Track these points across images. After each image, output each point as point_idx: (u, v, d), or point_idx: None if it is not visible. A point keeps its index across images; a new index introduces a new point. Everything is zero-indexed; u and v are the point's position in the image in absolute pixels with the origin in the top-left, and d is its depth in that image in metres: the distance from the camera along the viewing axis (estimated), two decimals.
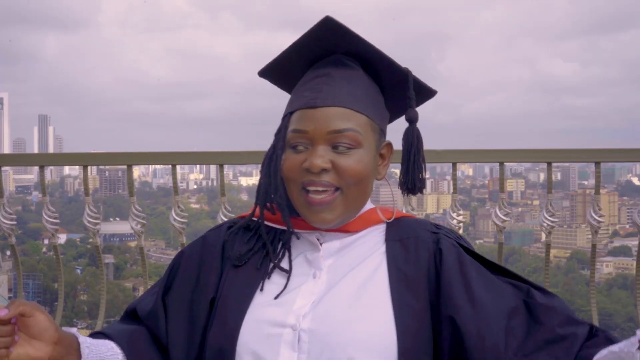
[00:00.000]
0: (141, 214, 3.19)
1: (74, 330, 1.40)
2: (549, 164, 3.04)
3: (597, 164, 3.04)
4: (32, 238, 45.43)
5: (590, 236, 3.15)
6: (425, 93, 1.55)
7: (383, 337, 1.37)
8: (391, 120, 1.58)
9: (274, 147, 1.48)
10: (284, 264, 1.47)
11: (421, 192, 1.54)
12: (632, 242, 34.74)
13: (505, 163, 3.06)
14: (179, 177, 3.26)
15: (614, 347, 1.28)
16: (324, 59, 1.50)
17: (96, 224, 3.21)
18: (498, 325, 1.38)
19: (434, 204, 60.33)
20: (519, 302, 1.42)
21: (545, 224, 3.05)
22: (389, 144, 1.54)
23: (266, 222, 1.52)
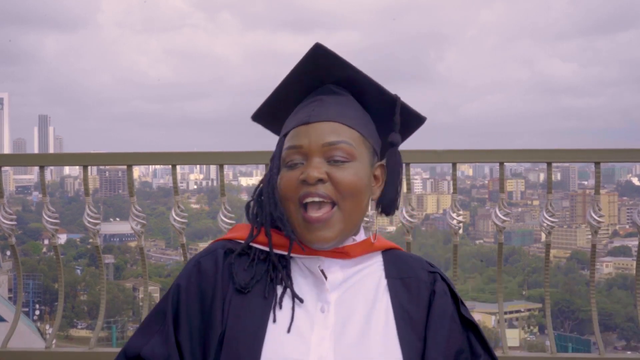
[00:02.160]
0: (141, 214, 3.19)
1: None
2: (549, 164, 3.04)
3: (597, 164, 3.04)
4: (32, 238, 45.43)
5: (590, 236, 3.15)
6: (414, 120, 1.57)
7: None
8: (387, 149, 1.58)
9: (270, 170, 1.48)
10: (289, 293, 1.44)
11: (392, 213, 1.55)
12: (632, 242, 34.76)
13: (505, 163, 3.06)
14: (179, 177, 3.26)
15: None
16: (315, 90, 1.52)
17: (96, 224, 3.21)
18: None
19: (434, 204, 60.34)
20: None
21: (545, 224, 3.05)
22: (383, 165, 1.54)
23: (262, 247, 1.48)
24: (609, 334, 35.49)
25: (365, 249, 1.50)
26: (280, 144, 1.49)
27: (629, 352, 25.66)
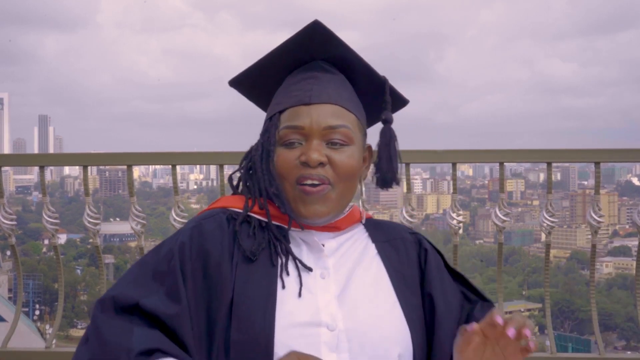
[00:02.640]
0: (141, 214, 3.19)
1: None
2: (549, 164, 3.04)
3: (597, 164, 3.04)
4: (32, 238, 45.42)
5: (590, 236, 3.16)
6: (399, 102, 1.60)
7: (403, 332, 1.45)
8: (368, 125, 1.62)
9: (262, 144, 1.49)
10: (290, 262, 1.47)
11: (396, 183, 1.59)
12: (631, 242, 34.75)
13: (505, 163, 3.06)
14: (179, 177, 3.26)
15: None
16: (304, 65, 1.53)
17: (96, 224, 3.22)
18: (454, 319, 1.52)
19: (434, 204, 60.33)
20: (464, 315, 1.55)
21: (545, 224, 3.05)
22: (370, 147, 1.59)
23: (261, 217, 1.50)
24: (609, 333, 35.49)
25: (351, 220, 1.56)
26: (275, 120, 1.49)
27: (629, 352, 25.65)
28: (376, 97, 1.55)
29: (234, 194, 1.58)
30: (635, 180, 60.51)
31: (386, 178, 1.57)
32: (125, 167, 3.21)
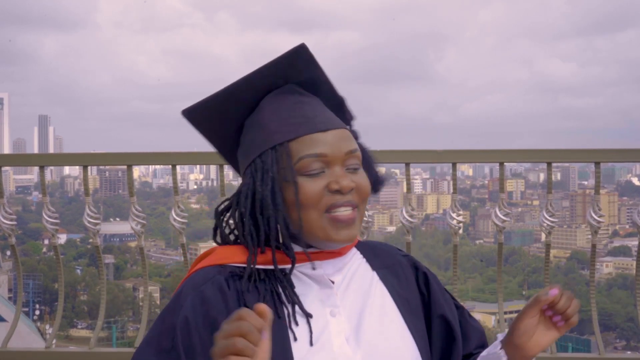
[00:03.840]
0: (141, 214, 3.19)
1: None
2: (549, 164, 3.04)
3: (597, 164, 3.04)
4: (32, 238, 45.43)
5: (590, 236, 3.16)
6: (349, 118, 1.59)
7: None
8: None
9: (272, 179, 1.41)
10: (304, 309, 1.42)
11: (377, 189, 1.57)
12: (631, 242, 34.76)
13: (505, 163, 3.06)
14: (179, 177, 3.26)
15: (483, 352, 1.52)
16: (279, 89, 1.48)
17: (96, 224, 3.21)
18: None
19: (434, 204, 60.35)
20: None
21: (545, 224, 3.05)
22: None
23: (262, 266, 1.44)
24: (608, 333, 35.50)
25: (350, 245, 1.52)
26: (285, 150, 1.41)
27: (628, 352, 25.65)
28: (336, 114, 1.52)
29: (223, 244, 1.50)
30: (635, 180, 60.54)
31: (378, 185, 1.56)
32: (125, 167, 3.21)
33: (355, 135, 1.52)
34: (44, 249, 43.62)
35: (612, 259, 45.10)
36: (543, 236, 3.13)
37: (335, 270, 1.48)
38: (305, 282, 1.45)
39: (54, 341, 3.33)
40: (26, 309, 36.43)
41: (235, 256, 1.45)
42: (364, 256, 1.56)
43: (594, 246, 3.18)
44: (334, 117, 1.47)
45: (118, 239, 50.81)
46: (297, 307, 1.40)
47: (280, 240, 1.43)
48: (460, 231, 3.13)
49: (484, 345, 1.58)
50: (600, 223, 3.04)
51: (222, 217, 1.51)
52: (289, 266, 1.42)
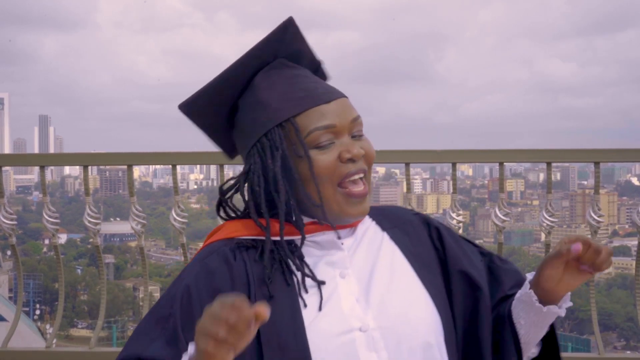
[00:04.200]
0: (141, 214, 3.19)
1: None
2: (549, 164, 3.04)
3: (597, 164, 3.04)
4: (32, 238, 45.40)
5: (589, 236, 3.16)
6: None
7: (433, 316, 1.45)
8: None
9: (281, 155, 1.41)
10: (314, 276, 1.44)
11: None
12: (631, 242, 34.72)
13: (505, 163, 3.07)
14: (179, 177, 3.26)
15: (517, 293, 1.49)
16: (269, 65, 1.48)
17: (96, 224, 3.22)
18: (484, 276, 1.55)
19: (434, 204, 60.32)
20: (484, 267, 1.58)
21: (544, 224, 3.05)
22: None
23: (274, 238, 1.44)
24: (608, 333, 35.48)
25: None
26: (293, 126, 1.41)
27: (628, 352, 25.66)
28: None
29: (228, 219, 1.52)
30: (634, 180, 60.50)
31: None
32: (125, 167, 3.21)
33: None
34: (44, 249, 43.60)
35: (612, 258, 44.97)
36: (543, 236, 3.13)
37: (347, 234, 1.49)
38: (314, 248, 1.47)
39: (54, 341, 3.34)
40: (26, 309, 36.40)
41: (243, 229, 1.47)
42: (374, 219, 1.55)
43: None
44: (332, 86, 1.49)
45: (118, 239, 50.78)
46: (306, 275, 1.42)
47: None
48: (460, 231, 3.13)
49: (519, 284, 1.52)
50: (600, 223, 3.04)
51: (226, 195, 1.52)
52: (298, 237, 1.44)
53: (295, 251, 1.44)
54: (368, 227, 1.53)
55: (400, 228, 1.55)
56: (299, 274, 1.41)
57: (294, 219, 1.43)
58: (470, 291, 1.50)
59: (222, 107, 1.51)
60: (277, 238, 1.44)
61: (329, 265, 1.45)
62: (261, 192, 1.43)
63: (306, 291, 1.40)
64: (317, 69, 1.56)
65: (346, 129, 1.43)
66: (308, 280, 1.41)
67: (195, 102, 1.52)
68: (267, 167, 1.43)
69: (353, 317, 1.39)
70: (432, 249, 1.54)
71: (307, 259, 1.44)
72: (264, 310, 1.16)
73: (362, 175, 1.44)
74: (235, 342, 1.16)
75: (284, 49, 1.49)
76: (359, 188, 1.43)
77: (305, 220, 1.45)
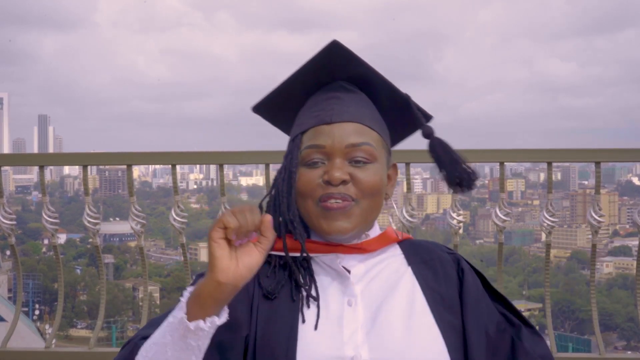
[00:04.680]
0: (141, 214, 3.19)
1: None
2: (549, 164, 3.04)
3: (597, 164, 3.04)
4: (32, 238, 45.41)
5: (590, 236, 3.15)
6: (424, 117, 1.57)
7: (438, 357, 1.40)
8: (392, 144, 1.61)
9: (285, 167, 1.47)
10: (314, 293, 1.45)
11: (470, 185, 1.54)
12: (632, 242, 34.77)
13: (505, 163, 3.06)
14: (178, 177, 3.26)
15: None
16: (326, 86, 1.52)
17: (96, 224, 3.21)
18: (484, 345, 1.45)
19: (434, 204, 60.35)
20: (507, 340, 1.48)
21: (545, 224, 3.05)
22: (395, 165, 1.58)
23: (280, 253, 1.48)
24: (609, 333, 35.48)
25: (382, 242, 1.52)
26: (296, 141, 1.48)
27: (629, 352, 25.67)
28: (399, 115, 1.54)
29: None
30: (635, 180, 60.51)
31: (462, 180, 1.52)
32: (125, 166, 3.20)
33: (428, 132, 1.51)
34: (44, 249, 43.61)
35: (612, 258, 45.08)
36: (543, 236, 3.12)
37: (358, 262, 1.48)
38: (328, 272, 1.48)
39: (54, 341, 3.33)
40: (26, 309, 36.42)
41: (275, 245, 1.48)
42: (403, 251, 1.54)
43: (594, 246, 3.17)
44: (354, 111, 1.47)
45: (118, 239, 50.78)
46: (312, 292, 1.43)
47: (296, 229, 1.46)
48: (461, 231, 3.13)
49: None
50: (601, 223, 3.04)
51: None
52: (313, 255, 1.47)
53: (307, 268, 1.46)
54: (392, 260, 1.52)
55: (427, 264, 1.51)
56: (304, 290, 1.43)
57: (296, 229, 1.45)
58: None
59: (289, 116, 1.56)
60: (297, 254, 1.46)
61: (340, 292, 1.45)
62: (271, 202, 1.48)
63: (308, 307, 1.42)
64: (402, 105, 1.53)
65: (338, 152, 1.44)
66: (314, 302, 1.43)
67: (262, 107, 1.59)
68: (277, 178, 1.49)
69: (349, 346, 1.38)
70: (457, 291, 1.49)
71: (322, 281, 1.46)
72: (268, 218, 1.28)
73: (339, 200, 1.42)
74: (242, 236, 1.26)
75: (339, 71, 1.51)
76: (336, 204, 1.42)
77: (317, 239, 1.48)
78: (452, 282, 1.49)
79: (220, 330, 1.33)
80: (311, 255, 1.47)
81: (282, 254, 1.47)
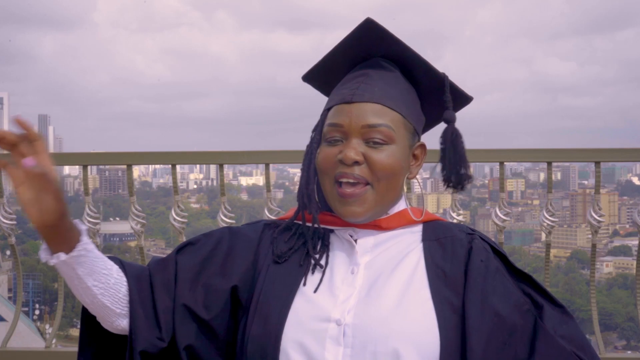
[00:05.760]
0: (141, 213, 3.19)
1: (83, 228, 1.44)
2: (549, 163, 3.04)
3: (597, 163, 3.04)
4: (32, 238, 45.28)
5: (590, 236, 3.15)
6: (461, 99, 1.61)
7: (425, 330, 1.40)
8: (431, 125, 1.64)
9: (311, 141, 1.53)
10: (324, 261, 1.51)
11: (463, 187, 1.58)
12: (632, 242, 34.74)
13: (505, 163, 3.06)
14: (178, 176, 3.26)
15: None
16: (363, 62, 1.55)
17: (96, 223, 3.21)
18: (495, 340, 1.41)
19: (434, 203, 60.28)
20: (529, 320, 1.45)
21: (545, 224, 3.05)
22: (423, 145, 1.58)
23: (301, 223, 1.56)
24: (609, 333, 35.48)
25: (401, 221, 1.53)
26: (323, 117, 1.53)
27: (629, 352, 25.64)
28: (437, 94, 1.56)
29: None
30: (635, 180, 60.48)
31: (450, 179, 1.56)
32: (125, 166, 3.20)
33: (449, 117, 1.55)
34: None
35: (612, 258, 45.07)
36: (543, 236, 3.12)
37: (372, 237, 1.52)
38: (343, 243, 1.53)
39: (54, 341, 3.33)
40: (26, 309, 36.41)
41: (289, 213, 1.60)
42: (423, 230, 1.55)
43: (594, 246, 3.17)
44: (378, 91, 1.49)
45: (118, 239, 50.76)
46: (317, 257, 1.50)
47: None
48: None
49: None
50: (601, 222, 3.04)
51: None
52: (332, 227, 1.54)
53: (322, 237, 1.52)
54: (407, 235, 1.54)
55: (440, 241, 1.52)
56: (314, 257, 1.50)
57: (311, 202, 1.50)
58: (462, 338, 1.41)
59: (331, 84, 1.59)
60: (328, 226, 1.54)
61: (347, 260, 1.50)
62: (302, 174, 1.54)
63: (312, 273, 1.48)
64: (438, 85, 1.55)
65: (355, 132, 1.46)
66: (319, 268, 1.50)
67: (311, 75, 1.64)
68: (309, 146, 1.55)
69: (338, 309, 1.42)
70: (463, 269, 1.47)
71: (334, 251, 1.52)
72: (19, 118, 1.32)
73: (352, 180, 1.45)
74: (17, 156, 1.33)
75: (375, 49, 1.54)
76: (349, 189, 1.46)
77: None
78: (459, 261, 1.48)
79: (212, 273, 1.50)
80: (327, 227, 1.53)
81: (308, 224, 1.53)
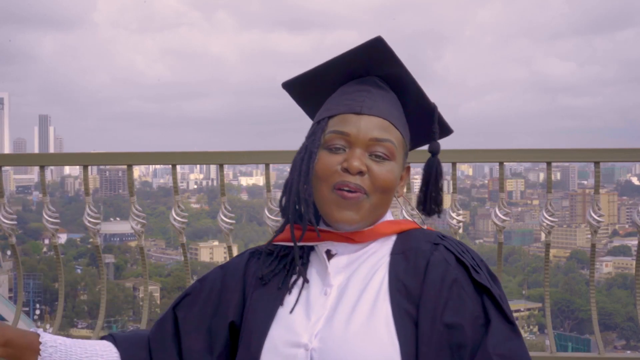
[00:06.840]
0: (141, 213, 3.19)
1: (38, 330, 1.48)
2: (549, 163, 3.04)
3: (597, 163, 3.04)
4: (32, 238, 45.43)
5: (589, 236, 3.15)
6: (443, 130, 1.62)
7: (384, 348, 1.38)
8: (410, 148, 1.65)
9: (306, 147, 1.50)
10: (301, 280, 1.51)
11: (438, 215, 1.62)
12: (631, 242, 34.74)
13: (505, 163, 3.06)
14: (179, 177, 3.26)
15: None
16: (359, 78, 1.55)
17: (96, 223, 3.21)
18: (443, 353, 1.38)
19: None
20: (481, 332, 1.41)
21: (544, 224, 3.05)
22: (409, 167, 1.62)
23: (283, 243, 1.56)
24: (608, 333, 35.52)
25: (374, 235, 1.52)
26: (322, 124, 1.50)
27: (628, 352, 25.66)
28: (422, 122, 1.57)
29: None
30: (635, 180, 60.55)
31: (426, 207, 1.60)
32: (125, 166, 3.21)
33: (435, 149, 1.57)
34: (44, 249, 43.64)
35: (612, 258, 45.12)
36: (543, 236, 3.12)
37: (347, 253, 1.52)
38: (320, 260, 1.53)
39: None
40: (26, 309, 36.42)
41: (279, 235, 1.59)
42: (395, 242, 1.52)
43: (593, 246, 3.18)
44: (383, 107, 1.50)
45: (118, 239, 50.82)
46: (297, 279, 1.50)
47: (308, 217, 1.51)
48: (460, 231, 3.13)
49: None
50: (600, 222, 3.04)
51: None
52: (314, 243, 1.53)
53: (302, 257, 1.52)
54: (379, 250, 1.52)
55: (405, 254, 1.49)
56: (294, 277, 1.51)
57: (308, 207, 1.47)
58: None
59: (318, 99, 1.59)
60: (305, 244, 1.53)
61: (319, 281, 1.50)
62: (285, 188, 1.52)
63: (289, 293, 1.49)
64: (427, 114, 1.57)
65: (361, 143, 1.46)
66: (295, 290, 1.50)
67: (293, 85, 1.62)
68: (298, 153, 1.52)
69: (308, 333, 1.42)
70: (420, 281, 1.43)
71: (314, 269, 1.52)
72: None
73: (353, 189, 1.44)
74: None
75: (376, 68, 1.54)
76: (351, 194, 1.45)
77: (323, 227, 1.52)
78: (419, 273, 1.44)
79: (210, 315, 1.53)
80: (307, 244, 1.52)
81: (284, 243, 1.54)
